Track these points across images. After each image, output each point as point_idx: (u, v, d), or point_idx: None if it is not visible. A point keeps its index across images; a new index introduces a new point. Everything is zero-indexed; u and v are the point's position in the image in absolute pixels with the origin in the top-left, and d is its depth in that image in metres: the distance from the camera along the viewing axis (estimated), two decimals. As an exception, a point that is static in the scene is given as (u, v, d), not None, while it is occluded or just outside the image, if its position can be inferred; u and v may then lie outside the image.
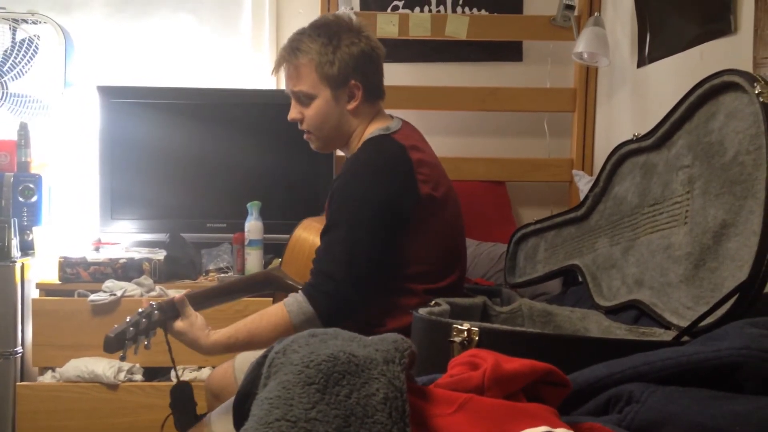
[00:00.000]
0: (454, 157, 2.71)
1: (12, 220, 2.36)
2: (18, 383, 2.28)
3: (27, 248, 2.47)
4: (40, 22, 2.64)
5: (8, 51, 2.62)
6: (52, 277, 2.37)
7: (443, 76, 2.90)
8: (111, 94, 2.59)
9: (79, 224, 2.72)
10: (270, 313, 1.53)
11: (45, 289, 2.35)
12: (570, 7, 2.70)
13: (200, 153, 2.63)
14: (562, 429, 0.74)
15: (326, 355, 0.74)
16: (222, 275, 2.44)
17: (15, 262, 2.33)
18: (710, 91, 1.29)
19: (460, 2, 2.90)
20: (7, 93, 2.61)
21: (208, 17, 2.90)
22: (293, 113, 1.68)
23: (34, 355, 2.30)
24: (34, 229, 2.50)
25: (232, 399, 1.37)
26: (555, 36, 2.77)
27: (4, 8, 2.65)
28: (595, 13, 2.60)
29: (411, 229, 1.58)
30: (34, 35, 2.63)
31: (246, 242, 2.38)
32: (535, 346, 1.10)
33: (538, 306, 1.66)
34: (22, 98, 2.62)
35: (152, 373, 2.29)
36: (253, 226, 2.36)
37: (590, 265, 1.66)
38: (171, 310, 1.53)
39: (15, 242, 2.35)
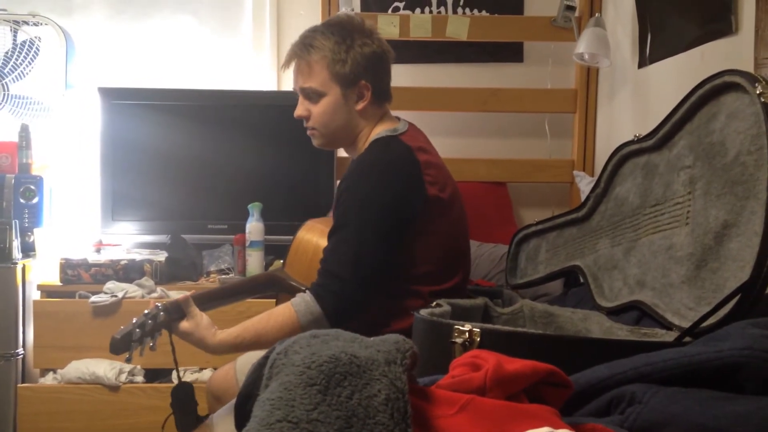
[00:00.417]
0: (455, 158, 2.70)
1: (13, 222, 2.36)
2: (19, 385, 2.28)
3: (28, 250, 2.46)
4: (41, 24, 2.64)
5: (9, 53, 2.62)
6: (53, 279, 2.36)
7: (444, 77, 2.90)
8: (112, 95, 2.59)
9: (80, 226, 2.72)
10: (277, 313, 1.53)
11: (46, 291, 2.35)
12: (571, 8, 2.70)
13: (201, 154, 2.63)
14: (564, 430, 0.74)
15: (328, 356, 0.74)
16: (223, 276, 2.44)
17: (16, 263, 2.33)
18: (711, 91, 1.29)
19: (461, 3, 2.90)
20: (8, 95, 2.61)
21: (209, 18, 2.90)
22: (300, 110, 1.67)
23: (35, 357, 2.30)
24: (35, 230, 2.50)
25: (234, 400, 1.37)
26: (556, 37, 2.77)
27: (5, 10, 2.65)
28: (596, 14, 2.60)
29: (417, 230, 1.58)
30: (35, 37, 2.63)
31: (247, 243, 2.37)
32: (536, 347, 1.09)
33: (539, 307, 1.66)
34: (23, 100, 2.62)
35: (153, 375, 2.29)
36: (254, 227, 2.36)
37: (592, 266, 1.66)
38: (176, 311, 1.53)
39: (16, 244, 2.35)
